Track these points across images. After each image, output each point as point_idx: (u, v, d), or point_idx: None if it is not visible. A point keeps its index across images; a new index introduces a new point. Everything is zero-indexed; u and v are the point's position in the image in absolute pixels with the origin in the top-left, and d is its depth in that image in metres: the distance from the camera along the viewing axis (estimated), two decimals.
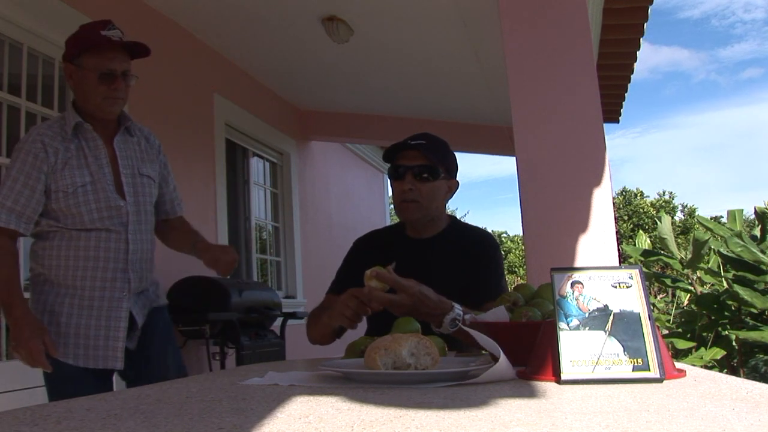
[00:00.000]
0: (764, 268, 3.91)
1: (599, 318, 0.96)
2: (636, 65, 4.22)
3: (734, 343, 3.98)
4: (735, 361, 4.04)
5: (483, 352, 1.34)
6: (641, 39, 3.76)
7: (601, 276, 1.00)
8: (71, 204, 1.88)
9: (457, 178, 1.94)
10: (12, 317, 1.77)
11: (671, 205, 22.94)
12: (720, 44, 54.64)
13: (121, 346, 1.93)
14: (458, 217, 2.07)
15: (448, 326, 1.61)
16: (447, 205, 2.02)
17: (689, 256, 4.47)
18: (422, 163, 1.85)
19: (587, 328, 0.96)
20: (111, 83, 1.91)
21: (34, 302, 1.92)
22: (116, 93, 1.93)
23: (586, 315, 0.97)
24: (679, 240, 9.34)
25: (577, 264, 2.15)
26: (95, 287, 1.91)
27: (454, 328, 1.60)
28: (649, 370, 0.92)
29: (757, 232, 4.49)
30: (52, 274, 1.90)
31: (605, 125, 2.50)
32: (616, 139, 52.75)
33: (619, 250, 2.68)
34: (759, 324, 3.95)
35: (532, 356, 1.03)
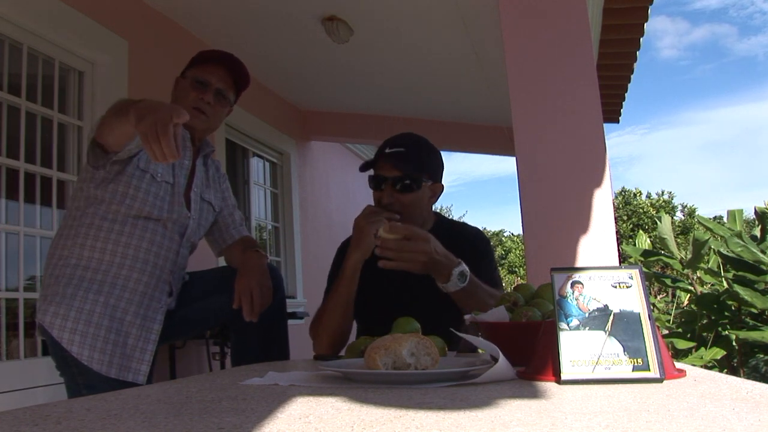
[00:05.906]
0: (764, 268, 3.90)
1: (599, 318, 0.96)
2: (636, 65, 4.22)
3: (734, 343, 3.98)
4: (735, 361, 4.04)
5: (481, 350, 1.34)
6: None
7: (601, 276, 1.00)
8: (152, 191, 1.79)
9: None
10: (134, 107, 1.47)
11: (670, 205, 22.95)
12: (739, 34, 53.75)
13: (149, 359, 1.80)
14: (447, 216, 2.06)
15: (456, 280, 1.59)
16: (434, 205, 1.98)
17: (689, 256, 4.47)
18: (402, 173, 1.75)
19: (587, 328, 0.96)
20: (201, 92, 1.90)
21: (62, 294, 1.72)
22: (203, 104, 1.89)
23: (586, 315, 0.97)
24: (679, 240, 9.34)
25: (577, 264, 2.15)
26: (141, 281, 1.80)
27: (463, 283, 1.59)
28: (649, 370, 0.92)
29: (757, 232, 4.49)
30: (91, 264, 1.75)
31: (605, 125, 2.50)
32: (625, 136, 52.28)
33: (619, 250, 2.67)
34: (759, 324, 3.95)
35: (532, 356, 1.03)
